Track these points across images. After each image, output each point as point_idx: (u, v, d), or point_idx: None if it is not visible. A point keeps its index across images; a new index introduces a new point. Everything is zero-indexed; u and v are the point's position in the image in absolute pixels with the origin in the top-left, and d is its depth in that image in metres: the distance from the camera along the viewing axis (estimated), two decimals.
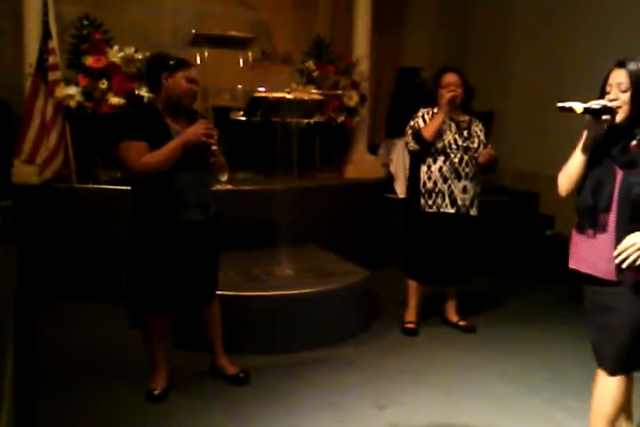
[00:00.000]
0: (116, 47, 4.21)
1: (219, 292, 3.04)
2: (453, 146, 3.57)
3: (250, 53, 4.92)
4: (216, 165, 2.78)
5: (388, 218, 5.15)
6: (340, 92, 5.12)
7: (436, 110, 3.61)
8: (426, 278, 3.77)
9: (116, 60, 4.17)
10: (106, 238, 4.15)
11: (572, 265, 2.23)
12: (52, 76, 4.09)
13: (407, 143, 3.66)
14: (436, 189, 3.59)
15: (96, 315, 3.83)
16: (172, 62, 2.73)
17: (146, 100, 4.05)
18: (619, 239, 1.99)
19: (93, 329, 3.65)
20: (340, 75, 5.26)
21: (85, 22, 4.30)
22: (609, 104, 2.09)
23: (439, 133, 3.54)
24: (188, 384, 2.95)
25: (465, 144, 3.59)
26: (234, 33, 5.02)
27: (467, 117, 3.68)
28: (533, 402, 2.90)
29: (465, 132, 3.62)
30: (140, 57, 4.23)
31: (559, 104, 2.10)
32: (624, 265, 1.93)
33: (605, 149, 2.11)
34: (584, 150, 2.14)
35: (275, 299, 3.42)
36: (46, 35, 4.07)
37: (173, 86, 2.68)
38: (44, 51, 4.06)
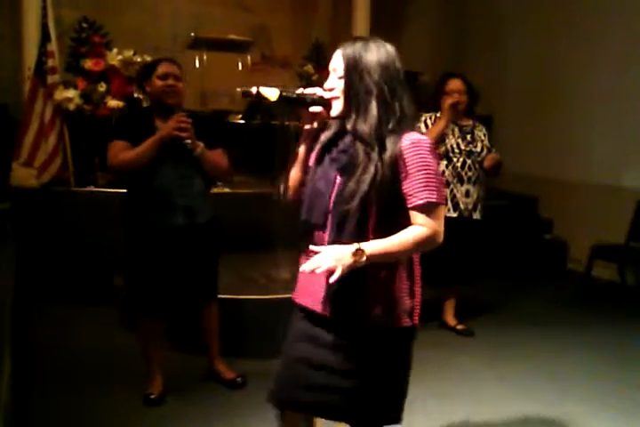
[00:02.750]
0: (114, 50, 4.22)
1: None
2: (456, 150, 3.57)
3: (249, 57, 4.93)
4: (207, 163, 2.67)
5: None
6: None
7: (438, 115, 3.61)
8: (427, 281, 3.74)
9: (114, 63, 4.17)
10: (104, 241, 4.13)
11: (293, 296, 1.80)
12: (50, 79, 4.09)
13: None
14: None
15: (93, 318, 3.82)
16: (148, 66, 2.76)
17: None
18: None
19: (90, 332, 3.63)
20: None
21: (84, 25, 4.31)
22: (320, 93, 1.64)
23: (442, 139, 3.55)
24: (184, 388, 2.93)
25: (468, 148, 3.59)
26: (233, 36, 5.04)
27: (470, 122, 3.68)
28: (533, 407, 2.88)
29: (468, 137, 3.62)
30: (138, 60, 4.23)
31: (241, 89, 1.60)
32: (307, 269, 1.52)
33: (328, 149, 1.68)
34: (298, 151, 1.71)
35: (272, 302, 3.41)
36: (45, 38, 4.06)
37: (152, 90, 2.70)
38: (42, 54, 4.05)
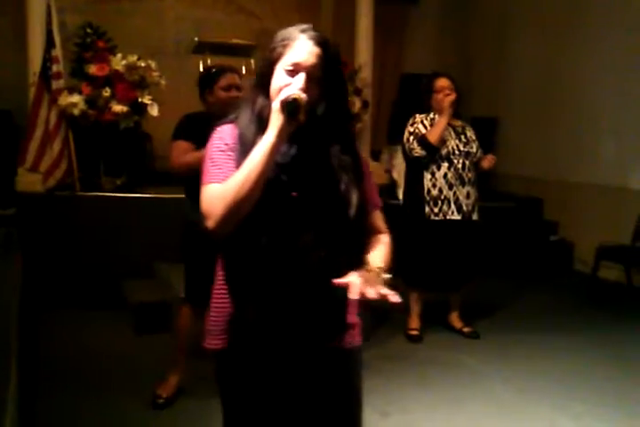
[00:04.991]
0: (119, 55, 4.23)
1: None
2: (456, 152, 3.57)
3: (252, 61, 4.92)
4: None
5: (391, 224, 5.14)
6: None
7: (432, 116, 3.61)
8: (429, 287, 3.75)
9: (119, 67, 4.18)
10: (109, 246, 4.15)
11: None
12: (55, 84, 4.11)
13: (412, 150, 3.60)
14: (442, 197, 3.57)
15: (99, 323, 3.82)
16: (210, 74, 2.76)
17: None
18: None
19: (97, 337, 3.64)
20: None
21: (89, 31, 4.33)
22: (299, 95, 1.31)
23: (442, 141, 3.55)
24: (192, 392, 2.93)
25: (466, 149, 3.60)
26: (236, 41, 5.05)
27: (459, 122, 3.70)
28: (539, 408, 2.88)
29: (463, 137, 3.63)
30: (142, 65, 4.25)
31: (286, 98, 1.31)
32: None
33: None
34: (263, 165, 1.31)
35: None
36: (50, 43, 4.08)
37: (214, 102, 2.71)
38: (47, 59, 4.07)
